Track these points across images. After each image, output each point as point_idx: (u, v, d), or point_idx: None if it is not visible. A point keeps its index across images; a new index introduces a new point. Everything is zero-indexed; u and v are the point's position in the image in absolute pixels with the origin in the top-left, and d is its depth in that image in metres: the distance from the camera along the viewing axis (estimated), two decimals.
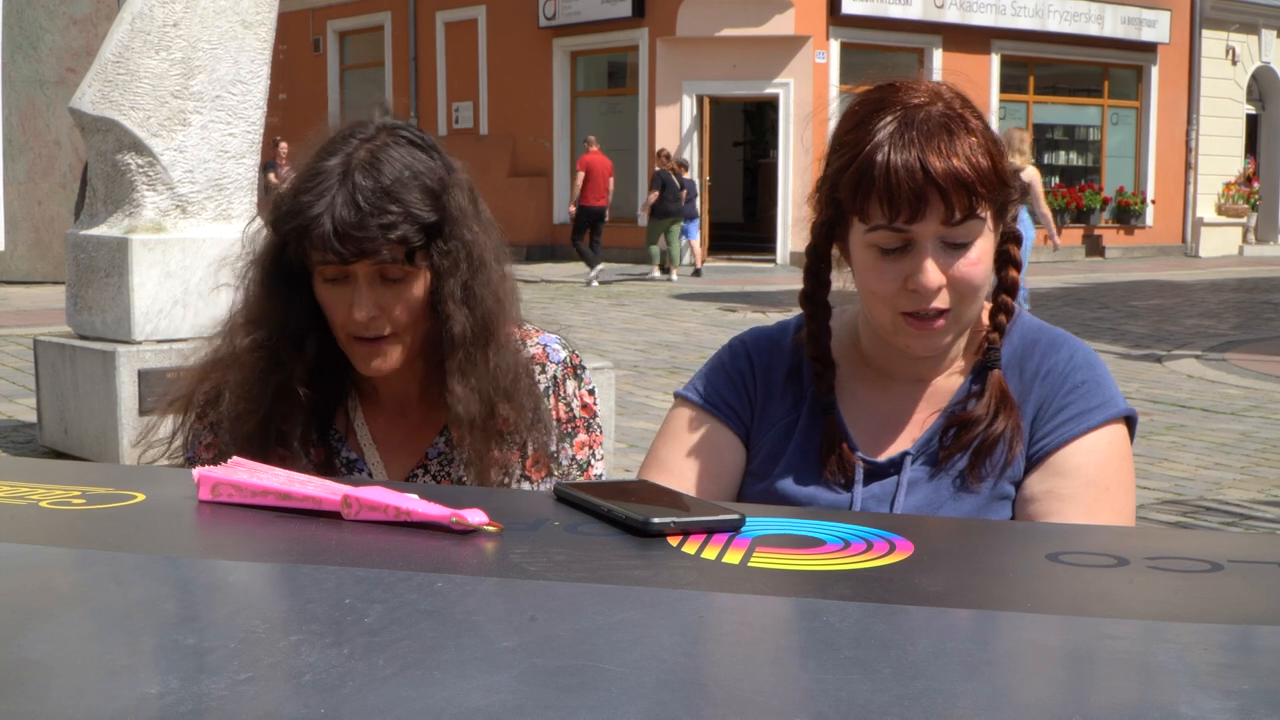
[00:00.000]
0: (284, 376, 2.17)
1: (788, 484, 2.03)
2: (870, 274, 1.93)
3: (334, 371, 2.22)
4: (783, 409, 2.10)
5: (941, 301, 1.91)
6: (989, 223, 1.92)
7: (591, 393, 2.37)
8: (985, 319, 2.05)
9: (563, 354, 2.35)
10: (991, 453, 1.97)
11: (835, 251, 2.03)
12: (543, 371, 2.31)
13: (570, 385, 2.34)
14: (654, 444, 2.15)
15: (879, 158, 1.86)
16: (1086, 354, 2.04)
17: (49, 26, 19.66)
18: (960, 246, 1.89)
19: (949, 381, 2.06)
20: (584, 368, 2.38)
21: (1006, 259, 2.03)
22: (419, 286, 2.14)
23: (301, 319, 2.16)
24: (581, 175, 22.33)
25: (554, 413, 2.31)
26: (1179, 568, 1.29)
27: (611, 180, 22.41)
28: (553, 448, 2.29)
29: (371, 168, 2.09)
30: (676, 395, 2.18)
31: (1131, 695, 0.96)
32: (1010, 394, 2.00)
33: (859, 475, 2.01)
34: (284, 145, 22.23)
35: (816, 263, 2.06)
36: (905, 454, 2.01)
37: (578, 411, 2.34)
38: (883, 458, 2.03)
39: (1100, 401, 1.99)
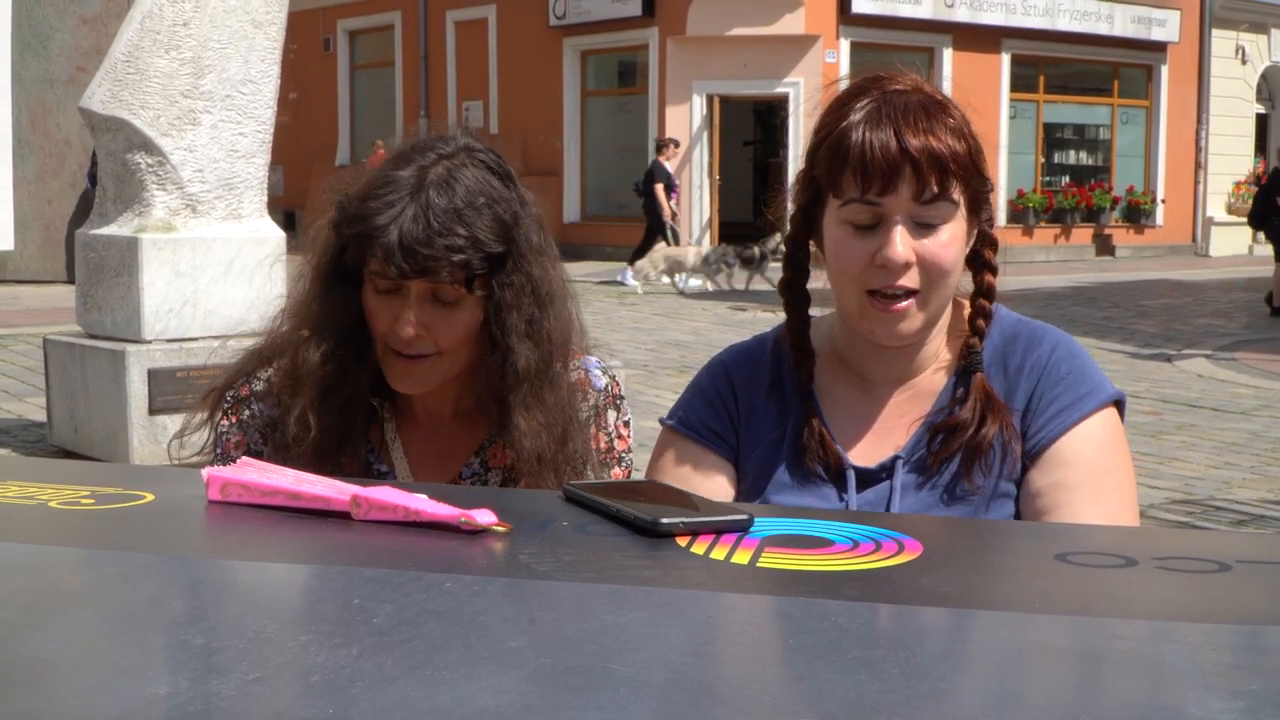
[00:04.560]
0: (353, 388, 2.16)
1: (781, 499, 2.03)
2: (840, 248, 1.94)
3: (374, 383, 2.21)
4: (768, 424, 2.09)
5: (910, 281, 1.91)
6: (962, 209, 1.93)
7: (627, 424, 2.36)
8: (965, 322, 2.05)
9: (604, 381, 2.34)
10: (984, 457, 1.97)
11: (813, 248, 2.04)
12: (584, 399, 2.29)
13: (611, 415, 2.33)
14: (645, 475, 2.15)
15: (854, 134, 1.89)
16: (1068, 344, 2.05)
17: (59, 25, 19.69)
18: (931, 227, 1.91)
19: (931, 384, 2.06)
20: (623, 397, 2.36)
21: (982, 262, 2.04)
22: (469, 313, 2.12)
23: (358, 326, 2.14)
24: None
25: (594, 442, 2.30)
26: (1188, 568, 1.28)
27: None
28: (591, 478, 2.28)
29: (446, 186, 2.05)
30: (662, 423, 2.17)
31: (1139, 696, 0.96)
32: (996, 396, 2.00)
33: (851, 481, 2.01)
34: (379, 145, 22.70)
35: (795, 251, 2.08)
36: (896, 458, 2.01)
37: (615, 444, 2.33)
38: (873, 463, 2.02)
39: (1088, 389, 2.00)
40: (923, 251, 1.90)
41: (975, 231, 2.01)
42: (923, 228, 1.90)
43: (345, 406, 2.16)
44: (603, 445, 2.32)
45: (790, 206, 2.07)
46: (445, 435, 2.28)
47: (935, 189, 1.88)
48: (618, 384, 2.37)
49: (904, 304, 1.93)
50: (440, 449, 2.28)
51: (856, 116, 1.90)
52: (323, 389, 2.15)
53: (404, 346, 2.11)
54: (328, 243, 2.17)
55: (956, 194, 1.91)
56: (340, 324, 2.14)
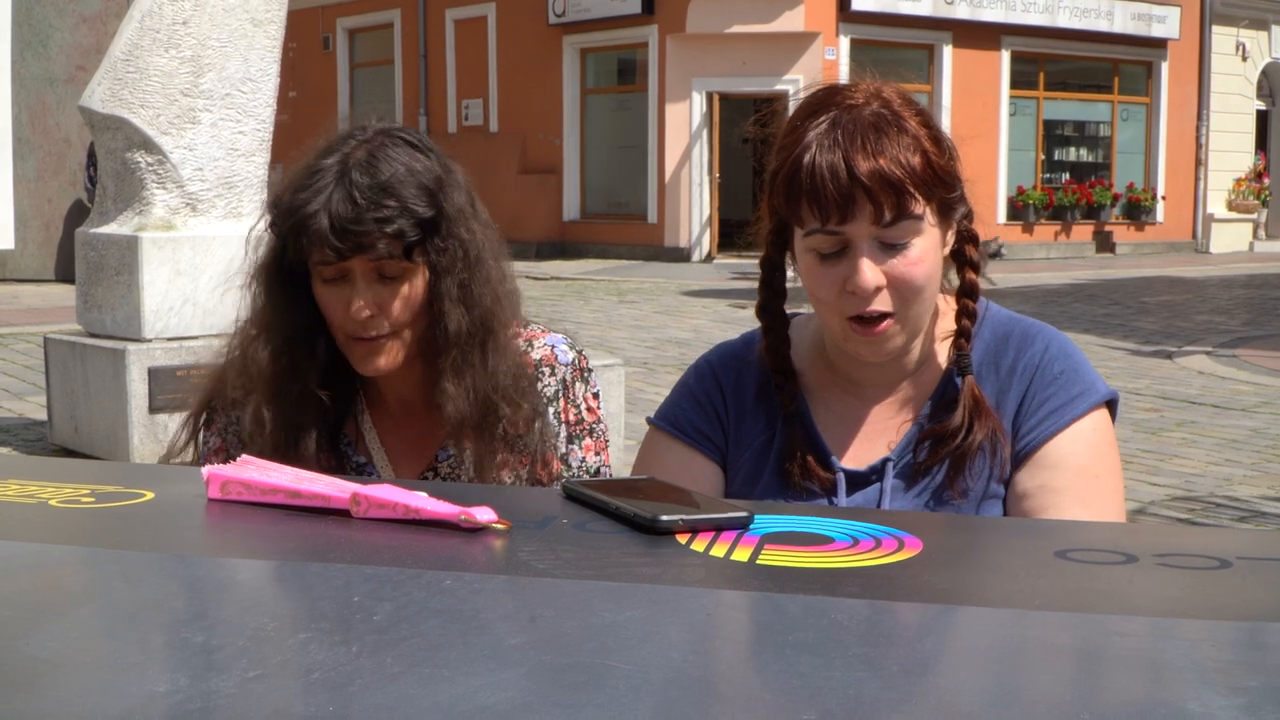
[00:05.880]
0: (303, 383, 2.19)
1: (770, 503, 2.02)
2: (812, 278, 1.93)
3: (342, 376, 2.23)
4: (757, 427, 2.08)
5: (883, 304, 1.89)
6: (929, 219, 1.90)
7: (596, 395, 2.39)
8: (950, 322, 2.04)
9: (570, 355, 2.36)
10: (972, 463, 1.96)
11: (790, 261, 2.03)
12: (552, 374, 2.32)
13: (579, 388, 2.35)
14: (631, 474, 2.15)
15: (806, 160, 1.86)
16: (1062, 343, 2.03)
17: (58, 25, 19.68)
18: (898, 247, 1.88)
19: (920, 386, 2.05)
20: (590, 370, 2.38)
21: (964, 260, 2.02)
22: (417, 284, 2.16)
23: (308, 322, 2.18)
24: None
25: (563, 415, 2.32)
26: (1188, 565, 1.29)
27: None
28: (562, 450, 2.30)
29: (369, 166, 2.11)
30: (649, 422, 2.16)
31: (1139, 692, 0.96)
32: (985, 401, 1.98)
33: (841, 484, 2.00)
34: None
35: (770, 273, 2.05)
36: (886, 460, 2.00)
37: (585, 415, 2.35)
38: (863, 466, 2.02)
39: (1080, 390, 1.98)
40: (892, 272, 1.88)
41: (953, 232, 1.99)
42: (890, 248, 1.88)
43: (298, 401, 2.20)
44: (571, 418, 2.34)
45: (762, 224, 2.05)
46: (419, 422, 2.30)
47: (892, 212, 1.85)
48: (585, 358, 2.39)
49: (883, 326, 1.91)
50: (415, 436, 2.31)
51: (808, 140, 1.87)
52: (275, 386, 2.19)
53: (360, 330, 2.15)
54: (270, 246, 2.22)
55: (918, 209, 1.88)
56: (287, 321, 2.19)
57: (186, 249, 7.96)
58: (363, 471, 2.27)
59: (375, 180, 2.10)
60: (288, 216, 2.13)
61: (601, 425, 2.39)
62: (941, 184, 1.90)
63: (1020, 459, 1.97)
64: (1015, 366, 2.00)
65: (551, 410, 2.30)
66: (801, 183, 1.86)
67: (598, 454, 2.36)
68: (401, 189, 2.10)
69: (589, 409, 2.36)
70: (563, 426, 2.32)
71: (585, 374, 2.37)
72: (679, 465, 2.08)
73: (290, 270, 2.17)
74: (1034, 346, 2.01)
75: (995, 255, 20.64)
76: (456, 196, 2.18)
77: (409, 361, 2.22)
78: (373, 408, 2.31)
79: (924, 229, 1.89)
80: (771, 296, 2.07)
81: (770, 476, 2.04)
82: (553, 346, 2.35)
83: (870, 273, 1.87)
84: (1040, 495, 1.95)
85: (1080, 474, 1.95)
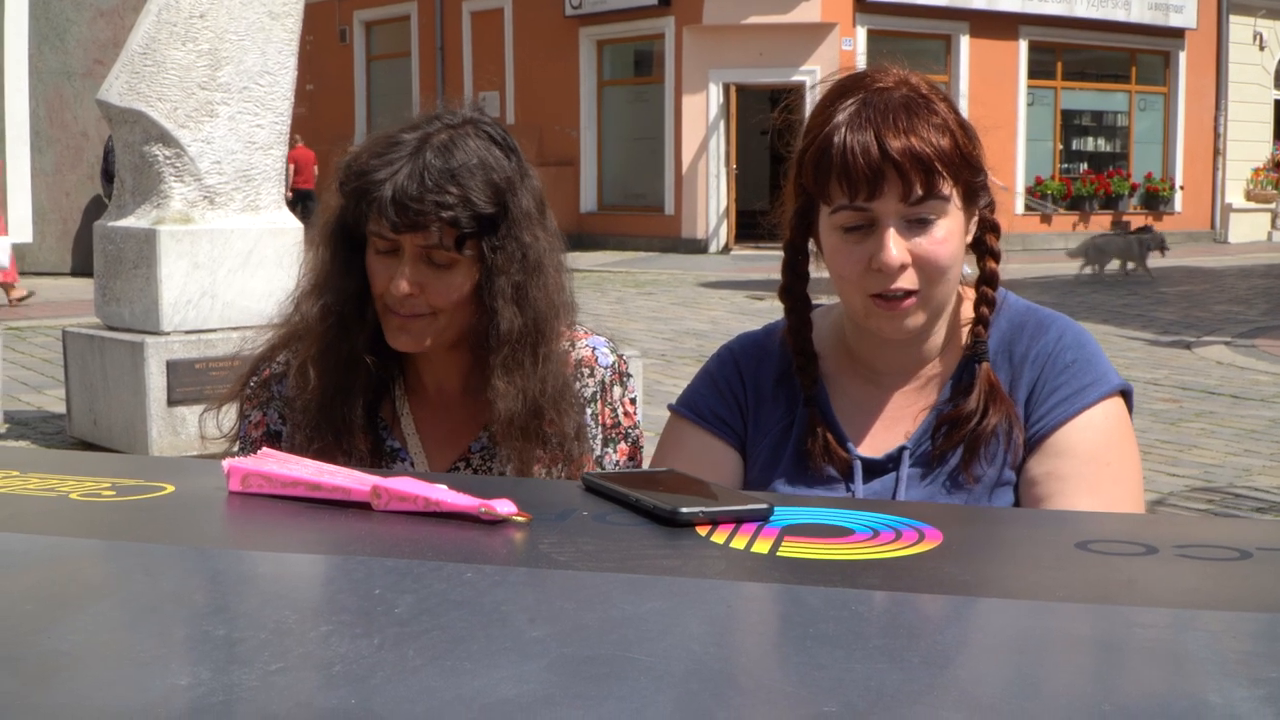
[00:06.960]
0: (351, 345, 2.21)
1: (787, 489, 2.02)
2: (837, 256, 1.94)
3: (385, 357, 2.24)
4: (776, 414, 2.09)
5: (908, 282, 1.91)
6: (955, 202, 1.92)
7: (634, 401, 2.39)
8: (969, 310, 2.04)
9: (611, 358, 2.37)
10: (985, 448, 1.96)
11: (813, 246, 2.04)
12: (591, 375, 2.33)
13: (616, 391, 2.36)
14: (652, 460, 2.15)
15: (836, 138, 1.88)
16: (1076, 332, 2.03)
17: (76, 18, 19.74)
18: (924, 225, 1.90)
19: (937, 374, 2.05)
20: (630, 374, 2.40)
21: (985, 249, 2.03)
22: (463, 276, 2.16)
23: (360, 285, 2.20)
24: (292, 166, 25.55)
25: (600, 418, 2.33)
26: (1208, 556, 1.28)
27: (315, 168, 25.80)
28: (597, 453, 2.30)
29: (445, 150, 2.12)
30: (670, 409, 2.17)
31: (1160, 684, 0.96)
32: (1000, 387, 1.99)
33: (858, 472, 2.01)
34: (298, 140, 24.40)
35: (793, 255, 2.06)
36: (903, 448, 2.00)
37: (621, 419, 2.36)
38: (880, 454, 2.02)
39: (1092, 379, 1.98)
40: (918, 251, 1.90)
41: (975, 219, 2.00)
42: (917, 226, 1.90)
43: (345, 363, 2.21)
44: (608, 420, 2.35)
45: (785, 208, 2.06)
46: (455, 411, 2.31)
47: (922, 190, 1.87)
48: (625, 362, 2.40)
49: (906, 303, 1.92)
50: (451, 425, 2.32)
51: (838, 120, 1.89)
52: (323, 344, 2.21)
53: (398, 305, 2.16)
54: (336, 205, 2.24)
55: (946, 189, 1.89)
56: (340, 282, 2.21)
57: (204, 242, 7.97)
58: (396, 457, 2.28)
59: (446, 165, 2.11)
60: (355, 178, 2.15)
61: (637, 431, 2.39)
62: (968, 167, 1.92)
63: (1031, 446, 1.97)
64: (1028, 354, 2.01)
65: (589, 412, 2.31)
66: (832, 159, 1.88)
67: (631, 459, 2.36)
68: (469, 180, 2.11)
69: (625, 413, 2.37)
70: (599, 429, 2.33)
71: (624, 378, 2.38)
72: (699, 451, 2.09)
73: (349, 232, 2.19)
74: (1047, 335, 2.02)
75: (1161, 246, 20.52)
76: (525, 200, 2.19)
77: (450, 350, 2.24)
78: (411, 394, 2.33)
79: (950, 210, 1.91)
80: (794, 279, 2.08)
81: (788, 463, 2.05)
82: (594, 348, 2.36)
83: (896, 249, 1.88)
84: (1048, 482, 1.95)
85: (1089, 461, 1.95)
